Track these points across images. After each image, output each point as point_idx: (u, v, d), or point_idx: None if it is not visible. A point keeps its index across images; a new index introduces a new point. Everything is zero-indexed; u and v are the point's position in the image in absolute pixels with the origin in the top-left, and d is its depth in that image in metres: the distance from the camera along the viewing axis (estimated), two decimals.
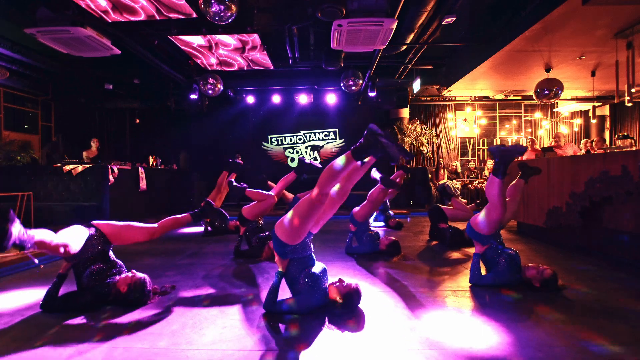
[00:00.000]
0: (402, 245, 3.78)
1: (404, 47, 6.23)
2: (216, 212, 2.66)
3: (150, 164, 7.68)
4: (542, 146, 8.66)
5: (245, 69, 7.38)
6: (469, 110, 10.13)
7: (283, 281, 2.15)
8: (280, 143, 10.09)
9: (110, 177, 5.29)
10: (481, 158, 10.14)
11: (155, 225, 2.49)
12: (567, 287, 2.50)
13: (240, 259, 3.53)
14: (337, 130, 9.99)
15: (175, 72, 7.27)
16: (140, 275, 2.29)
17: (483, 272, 2.68)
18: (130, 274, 2.30)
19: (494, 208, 2.53)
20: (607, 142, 9.27)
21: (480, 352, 1.62)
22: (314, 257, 2.23)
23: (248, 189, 3.69)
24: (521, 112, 10.30)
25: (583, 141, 8.01)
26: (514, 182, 3.11)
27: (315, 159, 10.05)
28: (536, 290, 2.42)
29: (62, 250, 2.06)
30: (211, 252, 3.89)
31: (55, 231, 2.06)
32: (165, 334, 1.84)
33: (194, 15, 4.90)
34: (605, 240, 3.55)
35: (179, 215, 2.57)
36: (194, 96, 7.72)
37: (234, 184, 3.82)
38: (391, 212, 5.58)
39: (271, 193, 3.66)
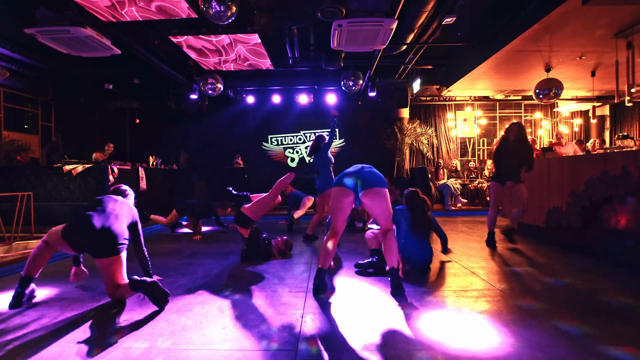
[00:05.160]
0: None
1: (404, 47, 6.22)
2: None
3: (150, 164, 7.68)
4: (542, 146, 8.65)
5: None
6: (469, 110, 10.13)
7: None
8: (280, 143, 10.09)
9: (110, 177, 5.29)
10: (481, 158, 10.15)
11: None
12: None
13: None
14: (337, 130, 9.99)
15: (175, 72, 7.27)
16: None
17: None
18: None
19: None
20: (607, 143, 9.26)
21: (480, 352, 1.62)
22: None
23: (251, 194, 3.63)
24: (521, 112, 10.29)
25: (575, 142, 7.87)
26: None
27: None
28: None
29: None
30: (211, 252, 3.89)
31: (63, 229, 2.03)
32: (165, 334, 1.84)
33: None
34: (605, 240, 3.55)
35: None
36: (194, 96, 7.71)
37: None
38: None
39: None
